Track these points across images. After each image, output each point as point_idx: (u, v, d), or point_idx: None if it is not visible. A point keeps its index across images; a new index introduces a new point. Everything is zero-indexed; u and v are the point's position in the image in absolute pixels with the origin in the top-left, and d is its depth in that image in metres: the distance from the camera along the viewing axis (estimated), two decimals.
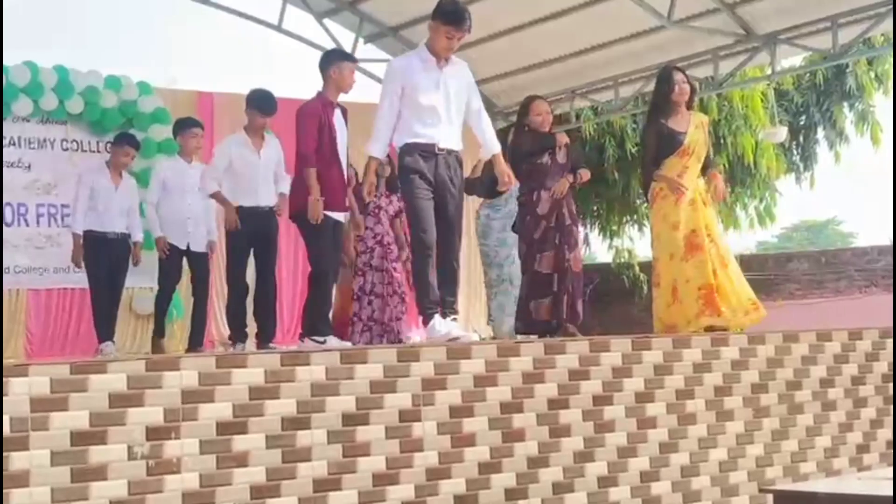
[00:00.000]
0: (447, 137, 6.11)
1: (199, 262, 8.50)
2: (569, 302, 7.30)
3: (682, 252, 6.72)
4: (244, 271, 7.63)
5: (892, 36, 11.74)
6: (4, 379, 3.96)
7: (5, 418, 3.93)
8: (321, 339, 6.61)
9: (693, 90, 7.13)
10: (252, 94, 7.77)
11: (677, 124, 6.93)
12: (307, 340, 6.68)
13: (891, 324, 6.78)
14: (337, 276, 8.85)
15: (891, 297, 12.86)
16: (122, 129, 9.57)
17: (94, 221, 8.45)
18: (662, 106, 7.01)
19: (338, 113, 6.88)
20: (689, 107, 7.07)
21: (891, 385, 6.38)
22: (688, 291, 6.67)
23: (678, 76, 7.02)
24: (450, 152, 6.11)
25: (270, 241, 7.72)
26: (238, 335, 7.63)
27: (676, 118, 6.95)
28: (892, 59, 14.27)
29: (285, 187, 7.58)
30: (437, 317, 5.92)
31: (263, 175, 7.65)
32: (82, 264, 8.55)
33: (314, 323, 6.80)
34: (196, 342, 8.35)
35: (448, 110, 6.10)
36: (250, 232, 7.53)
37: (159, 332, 8.57)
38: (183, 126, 8.64)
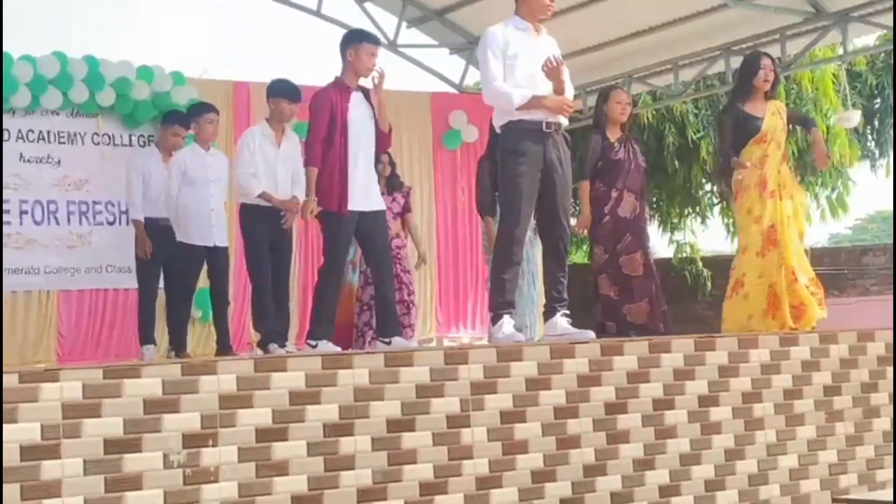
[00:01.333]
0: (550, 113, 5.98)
1: (222, 259, 8.37)
2: (654, 303, 7.47)
3: (760, 246, 6.83)
4: (268, 271, 7.64)
5: None
6: (35, 384, 4.02)
7: (37, 425, 3.99)
8: (313, 342, 6.56)
9: (777, 80, 7.25)
10: (276, 82, 7.78)
11: (754, 109, 7.08)
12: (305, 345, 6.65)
13: None
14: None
15: None
16: (172, 111, 9.42)
17: (148, 209, 8.44)
18: (742, 89, 7.16)
19: (356, 98, 6.73)
20: (770, 97, 7.19)
21: None
22: (758, 287, 6.77)
23: (766, 61, 7.16)
24: (557, 129, 5.97)
25: (285, 241, 7.77)
26: (267, 338, 7.58)
27: (754, 104, 7.10)
28: None
29: (300, 190, 7.56)
30: (505, 317, 5.85)
31: (282, 170, 7.65)
32: (148, 253, 8.43)
33: (314, 326, 6.72)
34: (224, 346, 8.28)
35: (545, 82, 5.97)
36: (267, 230, 7.58)
37: (179, 345, 8.34)
38: (199, 111, 8.53)
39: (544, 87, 5.92)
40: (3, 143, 10.17)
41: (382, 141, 6.86)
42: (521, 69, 5.88)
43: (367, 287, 8.59)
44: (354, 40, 6.78)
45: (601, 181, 7.55)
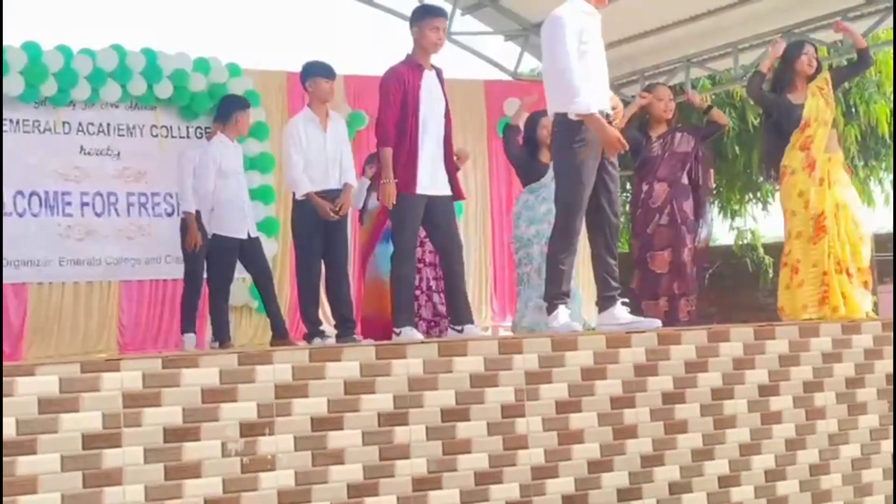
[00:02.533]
0: (608, 101, 5.95)
1: (258, 247, 8.45)
2: (692, 300, 7.49)
3: (812, 233, 6.76)
4: (317, 263, 7.56)
5: None
6: (97, 374, 4.10)
7: (98, 414, 4.07)
8: (397, 330, 6.55)
9: (819, 68, 7.21)
10: (308, 64, 7.67)
11: (796, 97, 7.07)
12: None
13: None
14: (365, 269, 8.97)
15: None
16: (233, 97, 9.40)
17: (195, 201, 8.51)
18: (785, 77, 7.12)
19: (429, 76, 6.57)
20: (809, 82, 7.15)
21: None
22: (813, 275, 6.72)
23: (808, 48, 7.18)
24: (611, 119, 5.92)
25: (339, 230, 7.65)
26: (314, 330, 7.54)
27: (796, 93, 7.09)
28: None
29: (352, 177, 7.61)
30: (561, 307, 5.82)
31: (331, 156, 7.56)
32: (197, 246, 8.47)
33: (396, 313, 6.67)
34: (280, 332, 8.31)
35: (604, 69, 5.94)
36: (320, 220, 7.45)
37: (223, 336, 8.36)
38: (240, 106, 8.60)
39: (601, 81, 5.91)
40: (65, 136, 10.37)
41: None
42: (589, 59, 5.81)
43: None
44: (417, 18, 6.65)
45: (637, 176, 7.63)
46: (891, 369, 5.76)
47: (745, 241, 15.52)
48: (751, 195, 15.65)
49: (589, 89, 5.76)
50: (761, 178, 15.20)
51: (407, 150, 6.46)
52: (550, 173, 7.55)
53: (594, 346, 5.03)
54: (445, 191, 6.61)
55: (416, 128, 6.47)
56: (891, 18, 10.88)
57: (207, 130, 10.33)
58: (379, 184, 6.56)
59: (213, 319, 8.50)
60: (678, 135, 7.67)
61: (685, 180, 7.63)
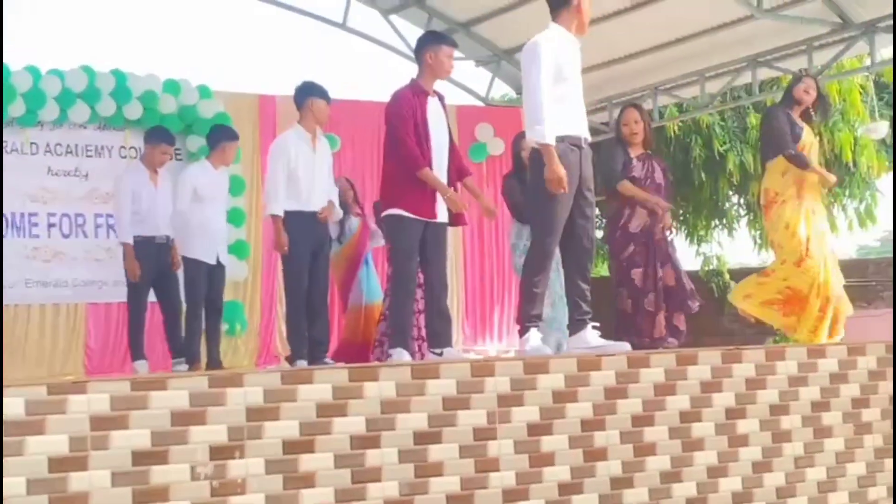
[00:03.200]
0: (586, 128, 5.97)
1: (221, 275, 8.52)
2: (667, 317, 7.42)
3: (797, 258, 7.05)
4: (304, 282, 7.51)
5: None
6: (63, 396, 4.04)
7: (65, 437, 4.02)
8: (391, 351, 6.58)
9: (817, 100, 7.40)
10: (308, 83, 7.65)
11: (797, 120, 7.28)
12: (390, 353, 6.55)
13: None
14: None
15: None
16: (158, 128, 9.34)
17: (138, 227, 8.43)
18: (787, 99, 7.35)
19: (434, 102, 6.59)
20: (807, 117, 7.38)
21: None
22: (778, 286, 7.09)
23: (808, 79, 7.44)
24: (588, 145, 5.94)
25: (325, 249, 7.68)
26: (298, 353, 7.51)
27: (797, 118, 7.31)
28: None
29: (335, 195, 7.64)
30: (533, 330, 5.84)
31: (319, 174, 7.54)
32: (137, 276, 8.42)
33: (394, 334, 6.76)
34: (214, 361, 8.38)
35: (581, 94, 5.97)
36: (309, 238, 7.45)
37: (192, 359, 8.35)
38: (228, 137, 8.60)
39: (579, 108, 5.94)
40: (33, 157, 10.30)
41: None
42: (567, 85, 5.85)
43: (386, 298, 8.66)
44: (434, 42, 6.63)
45: (616, 199, 7.63)
46: (857, 392, 5.79)
47: (711, 267, 15.61)
48: (717, 221, 15.76)
49: (565, 117, 5.79)
50: (727, 204, 15.36)
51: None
52: None
53: (565, 368, 5.03)
54: (444, 217, 6.64)
55: (430, 154, 6.46)
56: (856, 46, 11.02)
57: (177, 152, 10.28)
58: (395, 209, 6.47)
59: (187, 341, 8.43)
60: (656, 165, 7.69)
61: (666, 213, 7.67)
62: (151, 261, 8.44)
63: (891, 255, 23.08)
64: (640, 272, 7.45)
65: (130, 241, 8.41)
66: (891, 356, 5.96)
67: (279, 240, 7.36)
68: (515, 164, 8.07)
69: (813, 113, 7.37)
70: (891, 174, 15.50)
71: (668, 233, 7.60)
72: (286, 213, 7.42)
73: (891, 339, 6.09)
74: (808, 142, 7.24)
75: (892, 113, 14.77)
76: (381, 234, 9.23)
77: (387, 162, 6.63)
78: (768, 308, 7.18)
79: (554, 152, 5.67)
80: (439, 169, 6.55)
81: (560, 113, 5.75)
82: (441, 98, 6.70)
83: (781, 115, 7.24)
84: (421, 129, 6.45)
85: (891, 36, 10.76)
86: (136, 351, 8.59)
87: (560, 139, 5.74)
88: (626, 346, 5.84)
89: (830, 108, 7.69)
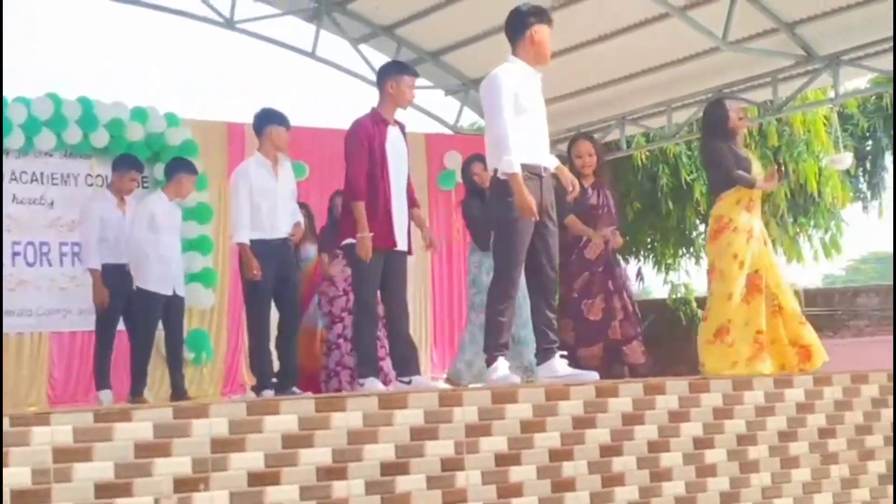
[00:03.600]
0: (547, 158, 6.02)
1: (180, 307, 8.52)
2: (627, 345, 7.40)
3: (744, 293, 6.75)
4: (269, 311, 7.48)
5: None
6: (26, 428, 3.99)
7: (27, 469, 3.96)
8: (361, 381, 6.56)
9: (745, 120, 7.32)
10: (267, 110, 7.63)
11: (744, 153, 7.11)
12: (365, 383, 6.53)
13: None
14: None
15: None
16: (126, 155, 9.41)
17: (106, 255, 8.40)
18: (721, 134, 7.05)
19: (393, 132, 6.63)
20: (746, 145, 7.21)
21: None
22: (745, 334, 6.70)
23: (731, 103, 7.18)
24: (549, 174, 5.98)
25: (291, 275, 7.65)
26: (264, 382, 7.42)
27: (740, 146, 7.11)
28: None
29: (298, 216, 7.66)
30: (500, 360, 5.84)
31: (282, 202, 7.50)
32: (105, 303, 8.41)
33: (359, 365, 6.75)
34: (179, 392, 8.36)
35: (545, 127, 6.01)
36: (273, 266, 7.38)
37: (138, 391, 8.32)
38: (185, 169, 8.61)
39: (542, 138, 5.97)
40: None
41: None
42: (528, 116, 5.88)
43: (334, 326, 8.73)
44: (396, 72, 6.68)
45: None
46: (823, 422, 5.81)
47: (679, 295, 15.67)
48: (684, 250, 15.82)
49: (524, 146, 5.81)
50: (695, 233, 15.44)
51: (382, 206, 6.48)
52: None
53: (533, 398, 5.02)
54: (404, 246, 6.66)
55: (388, 183, 6.52)
56: (820, 79, 11.13)
57: (144, 180, 10.22)
58: (351, 236, 6.50)
59: (134, 373, 8.40)
60: (607, 192, 7.73)
61: (612, 237, 7.68)
62: (120, 289, 8.40)
63: (855, 284, 23.25)
64: (591, 304, 7.44)
65: (98, 267, 8.39)
66: (856, 387, 6.00)
67: (250, 266, 7.31)
68: (469, 188, 8.11)
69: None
70: (855, 205, 15.67)
71: (620, 264, 7.64)
72: (251, 241, 7.37)
73: (857, 368, 6.13)
74: (758, 172, 7.10)
75: (855, 144, 14.96)
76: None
77: (344, 190, 6.70)
78: (759, 363, 6.74)
79: (522, 182, 5.71)
80: (398, 197, 6.60)
81: (520, 143, 5.79)
82: (402, 127, 6.74)
83: (724, 149, 6.97)
84: (378, 157, 6.50)
85: (853, 68, 10.89)
86: (102, 380, 8.52)
87: (520, 167, 5.77)
88: (595, 375, 5.85)
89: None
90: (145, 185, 10.37)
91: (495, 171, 5.91)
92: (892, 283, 19.32)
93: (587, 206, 7.55)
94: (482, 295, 7.81)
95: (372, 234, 6.42)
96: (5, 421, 3.98)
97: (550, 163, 6.03)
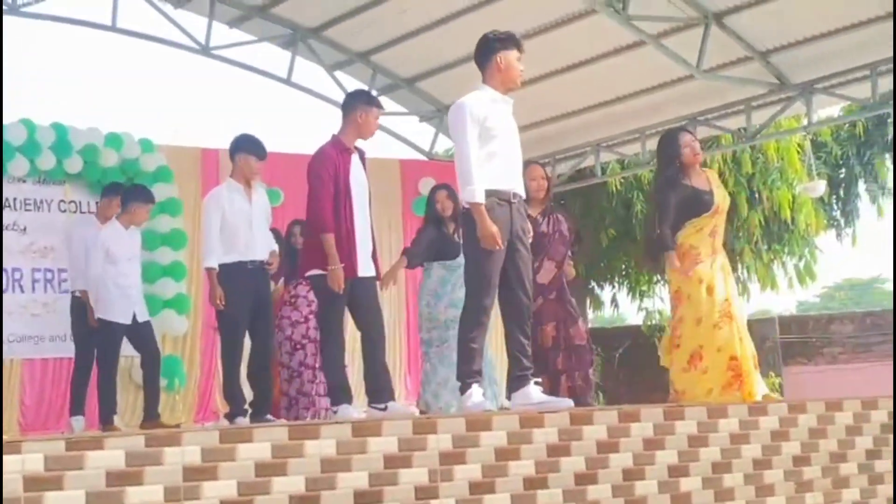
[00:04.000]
0: (519, 183, 6.02)
1: (146, 332, 8.52)
2: (579, 375, 7.45)
3: (717, 319, 6.74)
4: (243, 337, 7.45)
5: None
6: None
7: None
8: (335, 408, 6.57)
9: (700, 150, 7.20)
10: (243, 137, 7.60)
11: (699, 183, 6.96)
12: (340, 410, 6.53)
13: None
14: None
15: None
16: (116, 183, 9.49)
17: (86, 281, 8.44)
18: (674, 168, 6.98)
19: (355, 159, 6.66)
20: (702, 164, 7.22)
21: None
22: (718, 361, 6.69)
23: (686, 138, 7.06)
24: (521, 200, 5.98)
25: (267, 301, 7.63)
26: (237, 410, 7.40)
27: (695, 178, 6.98)
28: None
29: (273, 244, 7.64)
30: (474, 387, 5.81)
31: (257, 225, 7.47)
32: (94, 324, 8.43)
33: (331, 392, 6.74)
34: (151, 414, 8.35)
35: (518, 153, 6.03)
36: (250, 290, 7.36)
37: (107, 419, 8.31)
38: (142, 198, 8.63)
39: (512, 164, 5.97)
40: None
41: None
42: (497, 143, 5.87)
43: (296, 353, 8.71)
44: (365, 103, 6.71)
45: None
46: (798, 450, 5.83)
47: (653, 322, 15.71)
48: (658, 276, 15.88)
49: (494, 173, 5.81)
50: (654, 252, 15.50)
51: (345, 235, 6.48)
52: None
53: (507, 426, 5.01)
54: (371, 272, 6.65)
55: (350, 212, 6.53)
56: (794, 107, 11.23)
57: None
58: (319, 267, 6.49)
59: (101, 401, 8.41)
60: (560, 217, 7.74)
61: (566, 262, 7.69)
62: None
63: (829, 312, 23.37)
64: (542, 330, 7.43)
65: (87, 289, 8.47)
66: (830, 414, 6.01)
67: (214, 293, 7.32)
68: (428, 215, 8.24)
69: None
70: (828, 232, 15.77)
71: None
72: (226, 265, 7.35)
73: (831, 395, 6.15)
74: (721, 198, 6.97)
75: (829, 172, 15.07)
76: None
77: (307, 221, 6.70)
78: (738, 390, 6.68)
79: (484, 212, 5.71)
80: (363, 225, 6.63)
81: (490, 170, 5.80)
82: (362, 154, 6.77)
83: (675, 188, 6.90)
84: (342, 186, 6.52)
85: (826, 97, 11.00)
86: (77, 406, 8.48)
87: (489, 194, 5.78)
88: (569, 402, 5.84)
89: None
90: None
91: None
92: (865, 310, 19.46)
93: (538, 233, 7.55)
94: (439, 330, 7.90)
95: (343, 265, 6.43)
96: None
97: (521, 188, 6.04)
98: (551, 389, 7.30)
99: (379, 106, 6.82)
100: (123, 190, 8.92)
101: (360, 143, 6.86)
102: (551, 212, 7.72)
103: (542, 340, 7.42)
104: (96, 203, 10.67)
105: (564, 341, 7.48)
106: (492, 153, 5.84)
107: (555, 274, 7.55)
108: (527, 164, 7.91)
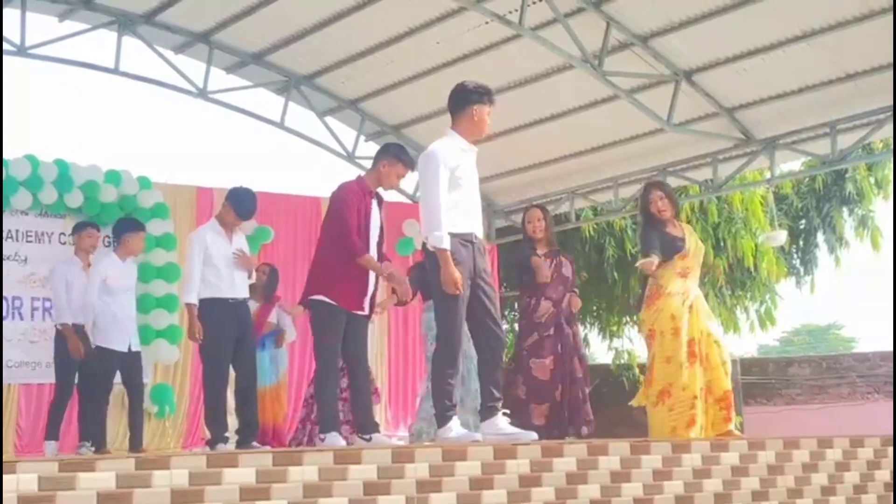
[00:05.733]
0: (479, 226, 6.03)
1: (137, 362, 8.49)
2: (573, 407, 7.45)
3: (683, 358, 6.76)
4: (227, 367, 7.41)
5: (891, 142, 11.90)
6: None
7: None
8: (322, 436, 6.50)
9: (674, 204, 7.24)
10: (234, 192, 7.67)
11: (674, 231, 7.11)
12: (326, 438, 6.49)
13: (891, 433, 6.75)
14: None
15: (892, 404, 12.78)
16: (129, 218, 9.49)
17: (70, 314, 8.39)
18: (649, 218, 7.15)
19: (373, 203, 6.66)
20: (677, 216, 7.25)
21: (890, 495, 6.32)
22: (683, 399, 6.72)
23: (654, 193, 7.18)
24: (481, 241, 5.99)
25: (250, 333, 7.61)
26: (218, 436, 7.32)
27: (670, 228, 7.12)
28: (891, 165, 14.46)
29: (251, 279, 7.70)
30: (453, 419, 5.80)
31: (237, 265, 7.51)
32: (81, 355, 8.36)
33: (321, 421, 6.70)
34: (137, 443, 8.31)
35: (478, 199, 6.05)
36: (233, 325, 7.36)
37: (99, 442, 8.25)
38: (133, 228, 8.64)
39: (475, 210, 6.00)
40: None
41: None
42: (462, 191, 5.90)
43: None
44: (394, 156, 6.69)
45: (525, 292, 7.82)
46: (757, 485, 5.83)
47: (622, 361, 15.72)
48: (628, 318, 15.91)
49: (458, 218, 5.84)
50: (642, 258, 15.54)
51: (358, 269, 6.46)
52: None
53: (482, 456, 4.99)
54: (367, 311, 6.64)
55: (368, 248, 6.51)
56: (758, 160, 11.32)
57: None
58: (320, 294, 6.44)
59: (90, 424, 8.32)
60: (563, 260, 7.83)
61: (565, 301, 7.76)
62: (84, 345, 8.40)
63: (788, 355, 23.41)
64: (540, 364, 7.51)
65: (70, 322, 8.41)
66: (788, 452, 6.03)
67: (192, 328, 7.32)
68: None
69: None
70: (789, 280, 15.83)
71: (577, 325, 7.73)
72: (207, 300, 7.36)
73: (789, 434, 6.16)
74: (693, 246, 7.07)
75: (790, 223, 15.16)
76: (292, 328, 9.27)
77: (323, 249, 6.61)
78: (692, 430, 6.75)
79: (449, 258, 5.74)
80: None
81: (454, 216, 5.82)
82: (380, 199, 6.77)
83: (652, 231, 7.06)
84: (363, 222, 6.51)
85: (788, 151, 11.09)
86: (52, 430, 8.45)
87: (452, 236, 5.80)
88: (534, 434, 5.84)
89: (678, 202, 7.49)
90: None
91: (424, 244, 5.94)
92: (821, 354, 19.53)
93: (538, 274, 7.67)
94: None
95: (341, 298, 6.41)
96: None
97: (481, 231, 6.06)
98: (548, 419, 7.38)
99: (406, 165, 6.75)
100: (115, 224, 8.92)
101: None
102: (556, 255, 7.81)
103: (541, 373, 7.52)
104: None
105: (563, 375, 7.54)
106: (457, 201, 5.87)
107: (551, 312, 7.62)
108: (527, 208, 8.07)
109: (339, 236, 6.46)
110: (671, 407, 6.77)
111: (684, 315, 6.87)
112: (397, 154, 6.76)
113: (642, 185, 7.69)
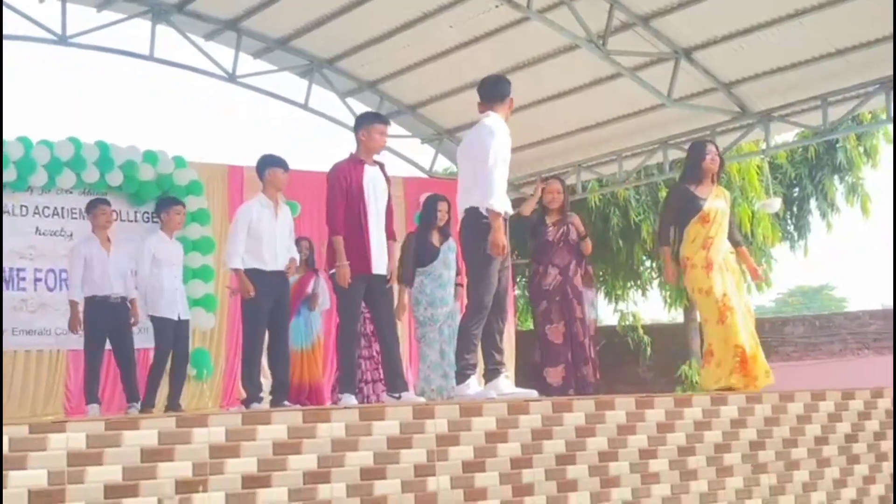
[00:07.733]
0: (510, 205, 6.08)
1: (185, 330, 8.52)
2: (582, 366, 7.52)
3: (718, 315, 6.75)
4: (263, 333, 7.39)
5: (879, 113, 11.80)
6: (44, 435, 3.96)
7: (44, 472, 3.93)
8: (339, 395, 6.58)
9: (723, 164, 7.17)
10: (267, 155, 7.54)
11: (701, 192, 6.96)
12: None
13: (881, 384, 6.74)
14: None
15: (882, 358, 12.76)
16: (169, 197, 9.45)
17: (93, 287, 8.36)
18: (692, 174, 7.03)
19: (371, 170, 6.66)
20: (717, 180, 7.08)
21: (882, 443, 6.31)
22: (726, 351, 6.71)
23: (711, 147, 7.14)
24: (508, 216, 6.01)
25: (286, 303, 7.57)
26: (253, 396, 7.31)
27: (702, 187, 6.98)
28: (878, 135, 14.36)
29: (294, 252, 7.62)
30: (472, 377, 5.85)
31: (280, 238, 7.40)
32: (79, 330, 8.42)
33: (342, 380, 6.76)
34: (174, 404, 8.32)
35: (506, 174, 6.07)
36: (271, 294, 7.30)
37: (149, 402, 8.29)
38: (169, 204, 8.65)
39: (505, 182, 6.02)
40: (23, 218, 10.19)
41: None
42: (506, 168, 5.97)
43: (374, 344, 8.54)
44: (366, 122, 6.75)
45: (533, 258, 7.89)
46: (754, 436, 5.83)
47: (627, 323, 15.73)
48: (632, 282, 15.90)
49: (504, 192, 5.90)
50: (641, 267, 15.51)
51: (359, 236, 6.52)
52: (441, 256, 7.73)
53: (497, 412, 5.02)
54: (385, 270, 6.66)
55: (365, 216, 6.55)
56: (753, 133, 11.26)
57: (155, 216, 10.16)
58: (334, 266, 6.53)
59: (148, 387, 8.35)
60: (570, 227, 7.82)
61: (573, 266, 7.75)
62: (105, 316, 8.39)
63: (783, 315, 23.33)
64: (553, 328, 7.56)
65: (77, 299, 8.42)
66: (783, 405, 6.03)
67: (244, 287, 7.24)
68: (426, 222, 8.20)
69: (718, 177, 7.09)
70: (783, 244, 15.76)
71: (587, 289, 7.76)
72: (250, 270, 7.28)
73: (785, 389, 6.16)
74: (713, 209, 6.89)
75: (784, 191, 15.07)
76: (327, 296, 9.28)
77: (326, 223, 6.73)
78: (737, 376, 6.69)
79: (503, 224, 5.80)
80: (377, 228, 6.64)
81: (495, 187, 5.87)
82: (382, 166, 6.78)
83: (677, 192, 7.04)
84: (355, 193, 6.55)
85: (782, 124, 11.02)
86: (90, 395, 8.46)
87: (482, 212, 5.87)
88: (534, 392, 5.86)
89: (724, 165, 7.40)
90: (155, 220, 10.32)
91: (474, 209, 5.90)
92: (814, 314, 19.47)
93: (542, 241, 7.72)
94: (423, 328, 8.04)
95: (349, 262, 6.46)
96: (24, 428, 3.96)
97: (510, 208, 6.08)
98: (564, 379, 7.47)
99: (382, 121, 6.80)
100: (156, 202, 8.92)
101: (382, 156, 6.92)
102: (564, 222, 7.80)
103: (554, 337, 7.60)
104: (135, 212, 10.75)
105: (573, 338, 7.59)
106: (505, 177, 5.95)
107: (559, 281, 7.63)
108: (547, 178, 8.11)
109: (326, 211, 6.60)
110: (718, 363, 6.76)
111: (710, 281, 6.79)
112: (367, 118, 6.84)
113: (694, 142, 7.68)
